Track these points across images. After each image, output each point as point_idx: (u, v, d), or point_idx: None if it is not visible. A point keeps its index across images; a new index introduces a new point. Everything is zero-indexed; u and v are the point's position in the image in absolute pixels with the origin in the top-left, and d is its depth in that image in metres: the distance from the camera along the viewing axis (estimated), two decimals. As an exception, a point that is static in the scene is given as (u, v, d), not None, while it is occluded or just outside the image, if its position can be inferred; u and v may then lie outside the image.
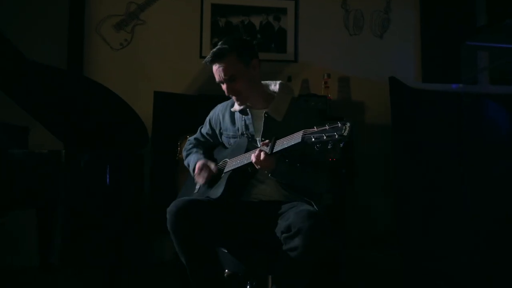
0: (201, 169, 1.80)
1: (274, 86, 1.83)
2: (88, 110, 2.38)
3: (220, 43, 1.73)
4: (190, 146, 2.00)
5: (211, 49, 3.27)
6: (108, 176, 2.19)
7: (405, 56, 3.38)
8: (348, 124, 1.34)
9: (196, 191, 1.85)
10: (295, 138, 1.45)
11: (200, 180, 1.81)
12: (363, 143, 3.21)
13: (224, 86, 1.73)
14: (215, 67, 1.71)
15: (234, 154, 1.76)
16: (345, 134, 1.33)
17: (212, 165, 1.81)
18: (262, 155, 1.55)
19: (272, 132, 1.70)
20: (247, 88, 1.71)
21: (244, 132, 1.80)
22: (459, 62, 3.31)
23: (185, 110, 2.97)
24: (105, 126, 2.41)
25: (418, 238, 2.88)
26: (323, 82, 3.20)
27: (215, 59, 1.69)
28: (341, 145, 1.34)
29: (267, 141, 1.59)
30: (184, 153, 2.00)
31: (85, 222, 2.76)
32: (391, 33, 3.39)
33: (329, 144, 1.35)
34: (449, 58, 3.33)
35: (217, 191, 1.70)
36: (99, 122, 2.40)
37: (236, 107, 1.81)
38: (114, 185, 2.21)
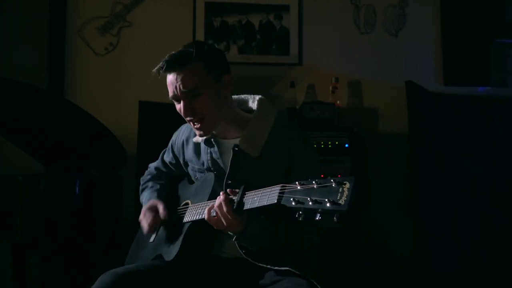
0: (144, 214, 1.39)
1: (252, 103, 1.40)
2: (56, 129, 2.10)
3: (182, 47, 1.29)
4: (148, 177, 1.58)
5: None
6: (75, 200, 1.90)
7: (423, 56, 3.00)
8: (348, 185, 0.87)
9: (152, 240, 1.43)
10: (270, 195, 1.04)
11: (143, 227, 1.38)
12: (376, 156, 2.85)
13: (180, 105, 1.25)
14: (171, 77, 1.24)
15: (197, 196, 1.36)
16: (341, 202, 0.86)
17: (161, 208, 1.38)
18: (225, 211, 1.12)
19: (244, 174, 1.29)
20: (214, 110, 1.25)
21: (211, 168, 1.37)
22: (486, 62, 2.93)
23: (175, 122, 2.64)
24: (74, 145, 2.13)
25: (443, 265, 2.50)
26: (330, 87, 2.85)
27: (173, 65, 1.22)
28: (335, 218, 0.87)
29: (236, 190, 1.16)
30: (140, 187, 1.59)
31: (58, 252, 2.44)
32: (408, 31, 3.01)
33: (317, 216, 0.90)
34: (474, 58, 2.94)
35: (171, 250, 1.28)
36: (67, 141, 2.11)
37: (198, 137, 1.37)
38: (83, 210, 1.93)
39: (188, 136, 1.43)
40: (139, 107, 2.61)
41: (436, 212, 2.62)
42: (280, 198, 1.01)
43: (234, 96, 1.42)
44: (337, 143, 2.59)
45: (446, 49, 2.99)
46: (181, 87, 1.22)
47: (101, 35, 2.90)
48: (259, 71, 2.93)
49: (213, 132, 1.34)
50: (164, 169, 1.57)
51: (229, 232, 1.16)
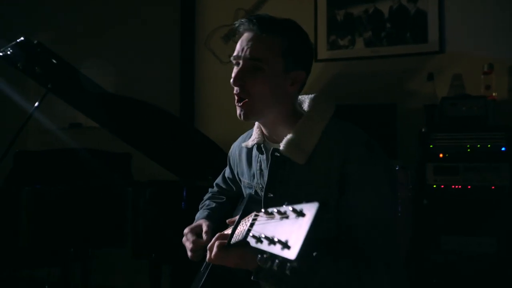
0: (186, 236, 1.20)
1: (306, 102, 1.10)
2: (182, 147, 2.21)
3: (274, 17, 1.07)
4: (208, 195, 1.42)
5: (328, 50, 2.74)
6: (181, 208, 1.90)
7: None
8: (307, 217, 0.61)
9: (202, 268, 1.26)
10: (244, 228, 0.82)
11: (188, 253, 1.19)
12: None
13: (235, 69, 1.06)
14: (245, 36, 1.05)
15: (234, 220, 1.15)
16: (291, 245, 0.60)
17: (205, 227, 1.18)
18: (215, 249, 0.91)
19: (288, 185, 1.04)
20: (263, 96, 1.02)
21: (259, 181, 1.14)
22: None
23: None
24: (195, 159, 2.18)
25: None
26: (482, 77, 2.29)
27: (255, 25, 1.03)
28: (287, 271, 0.60)
29: (234, 218, 0.96)
30: (200, 205, 1.42)
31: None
32: None
33: (275, 263, 0.63)
34: None
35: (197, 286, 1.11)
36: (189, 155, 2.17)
37: (249, 141, 1.15)
38: (188, 218, 1.91)
39: (241, 148, 1.23)
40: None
41: None
42: (248, 232, 0.75)
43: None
44: (489, 146, 2.06)
45: None
46: (247, 52, 1.03)
47: (225, 43, 2.94)
48: (389, 64, 2.56)
49: (261, 130, 1.12)
50: (223, 186, 1.40)
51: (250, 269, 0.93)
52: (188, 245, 1.17)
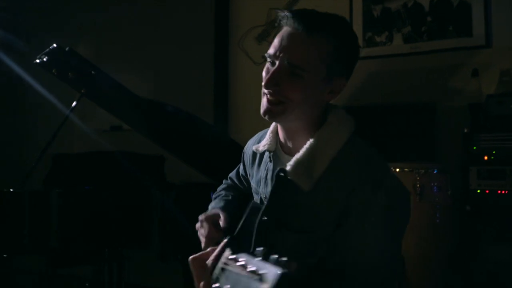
0: (201, 223, 1.10)
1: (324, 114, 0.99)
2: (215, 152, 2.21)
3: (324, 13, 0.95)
4: (223, 186, 1.34)
5: (364, 47, 2.64)
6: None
7: None
8: (264, 285, 0.56)
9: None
10: (220, 264, 0.75)
11: (201, 241, 1.10)
12: None
13: (269, 67, 0.95)
14: (289, 33, 0.93)
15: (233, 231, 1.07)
16: None
17: (222, 215, 1.07)
18: (198, 264, 0.84)
19: (288, 211, 0.95)
20: (297, 103, 0.92)
21: (263, 190, 1.05)
22: None
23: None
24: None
25: None
26: (534, 71, 2.11)
27: (303, 24, 0.91)
28: None
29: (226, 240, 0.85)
30: (213, 195, 1.33)
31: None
32: None
33: None
34: None
35: None
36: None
37: (260, 145, 1.06)
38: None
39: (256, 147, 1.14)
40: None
41: None
42: (218, 276, 0.70)
43: None
44: (540, 148, 1.88)
45: None
46: (287, 56, 0.92)
47: (258, 43, 2.91)
48: (430, 60, 2.41)
49: (281, 139, 1.03)
50: (236, 181, 1.32)
51: None
52: (204, 233, 1.07)
